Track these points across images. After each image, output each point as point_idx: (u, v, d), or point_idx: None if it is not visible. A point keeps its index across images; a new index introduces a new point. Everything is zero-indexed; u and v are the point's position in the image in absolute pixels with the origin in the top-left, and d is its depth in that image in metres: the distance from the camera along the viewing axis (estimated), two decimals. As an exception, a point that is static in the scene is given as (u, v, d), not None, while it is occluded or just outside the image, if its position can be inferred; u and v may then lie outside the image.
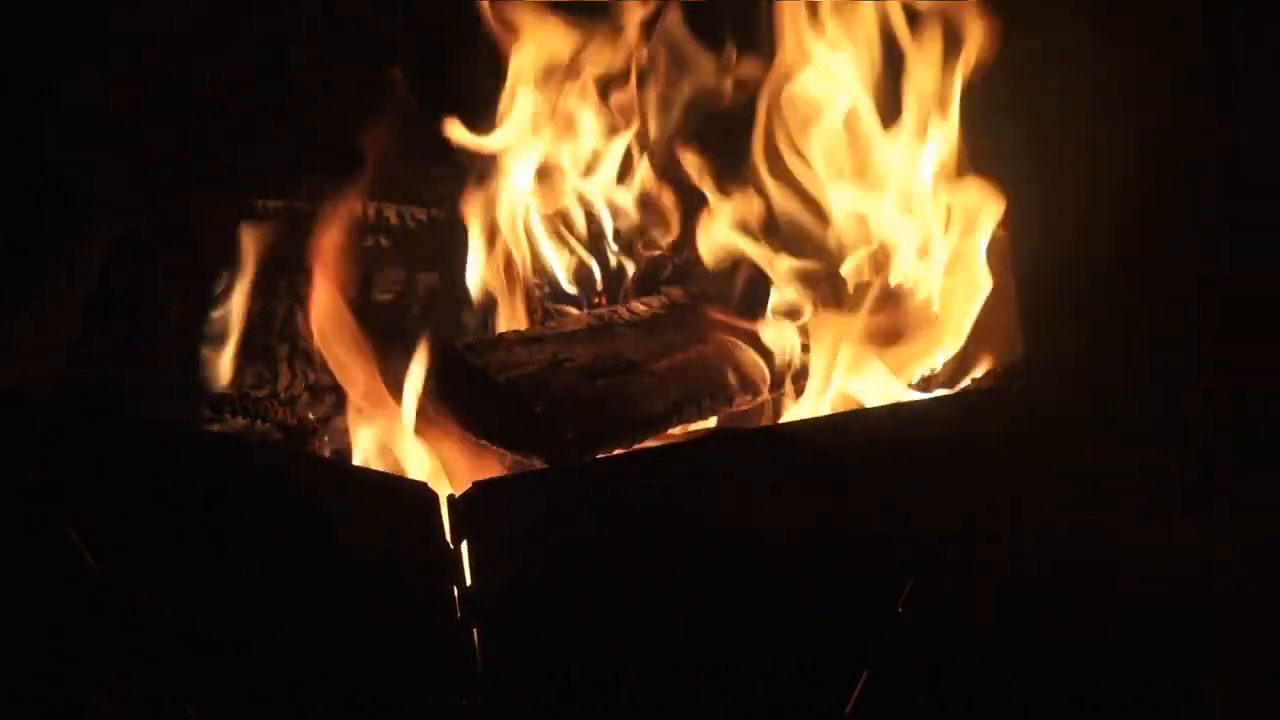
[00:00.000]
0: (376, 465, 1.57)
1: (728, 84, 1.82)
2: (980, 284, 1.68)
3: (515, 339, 1.63)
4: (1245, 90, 2.07)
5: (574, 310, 1.80)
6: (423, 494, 1.32)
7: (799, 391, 1.69)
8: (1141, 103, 1.99)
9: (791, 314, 1.71)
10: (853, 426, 1.51)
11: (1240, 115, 2.08)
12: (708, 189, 1.75)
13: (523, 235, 1.80)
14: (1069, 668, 1.83)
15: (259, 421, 1.71)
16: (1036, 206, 1.73)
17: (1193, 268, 2.12)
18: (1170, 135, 2.00)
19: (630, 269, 1.84)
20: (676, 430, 1.62)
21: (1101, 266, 2.00)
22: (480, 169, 1.83)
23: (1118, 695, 1.81)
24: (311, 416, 1.75)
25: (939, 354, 1.71)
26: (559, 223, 1.83)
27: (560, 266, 1.82)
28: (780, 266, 1.72)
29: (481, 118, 1.81)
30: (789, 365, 1.70)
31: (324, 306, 1.59)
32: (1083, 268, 1.92)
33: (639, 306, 1.73)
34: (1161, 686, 1.82)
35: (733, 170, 1.77)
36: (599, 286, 1.85)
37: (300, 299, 1.69)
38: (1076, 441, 1.98)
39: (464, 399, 1.59)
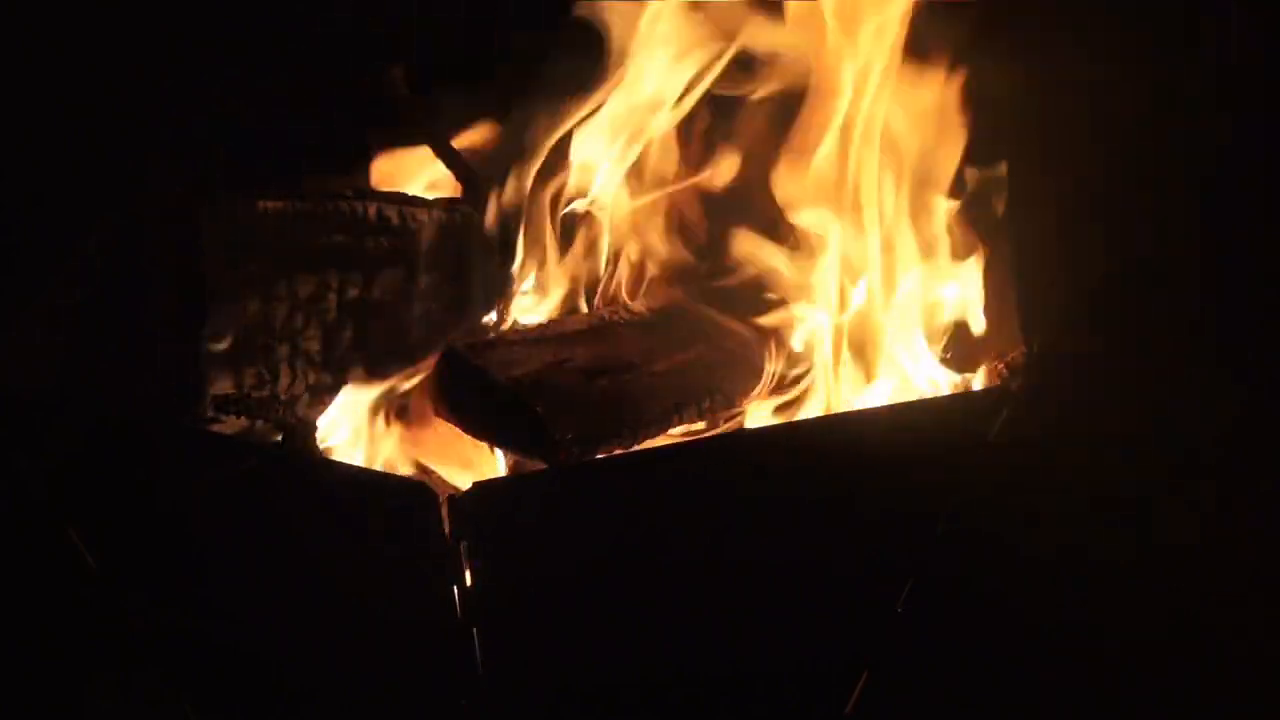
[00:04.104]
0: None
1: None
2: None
3: (516, 339, 1.63)
4: (1242, 92, 2.07)
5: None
6: (423, 494, 1.32)
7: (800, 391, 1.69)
8: (1140, 105, 1.99)
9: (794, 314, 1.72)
10: (853, 426, 1.51)
11: (1237, 117, 2.08)
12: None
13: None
14: (1069, 667, 1.83)
15: (259, 421, 1.71)
16: (1037, 207, 1.73)
17: (1193, 268, 2.12)
18: (1171, 136, 2.00)
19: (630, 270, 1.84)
20: (676, 430, 1.62)
21: (1101, 267, 2.00)
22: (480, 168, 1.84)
23: (1118, 694, 1.81)
24: (311, 417, 1.75)
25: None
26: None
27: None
28: (784, 268, 1.73)
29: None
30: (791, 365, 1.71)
31: None
32: (1083, 268, 1.92)
33: (638, 307, 1.73)
34: (1161, 684, 1.82)
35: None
36: (599, 287, 1.85)
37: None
38: (1076, 441, 1.98)
39: (464, 398, 1.59)
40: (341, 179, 1.85)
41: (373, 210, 1.81)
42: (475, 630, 1.39)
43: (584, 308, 1.80)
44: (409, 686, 1.49)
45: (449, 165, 1.88)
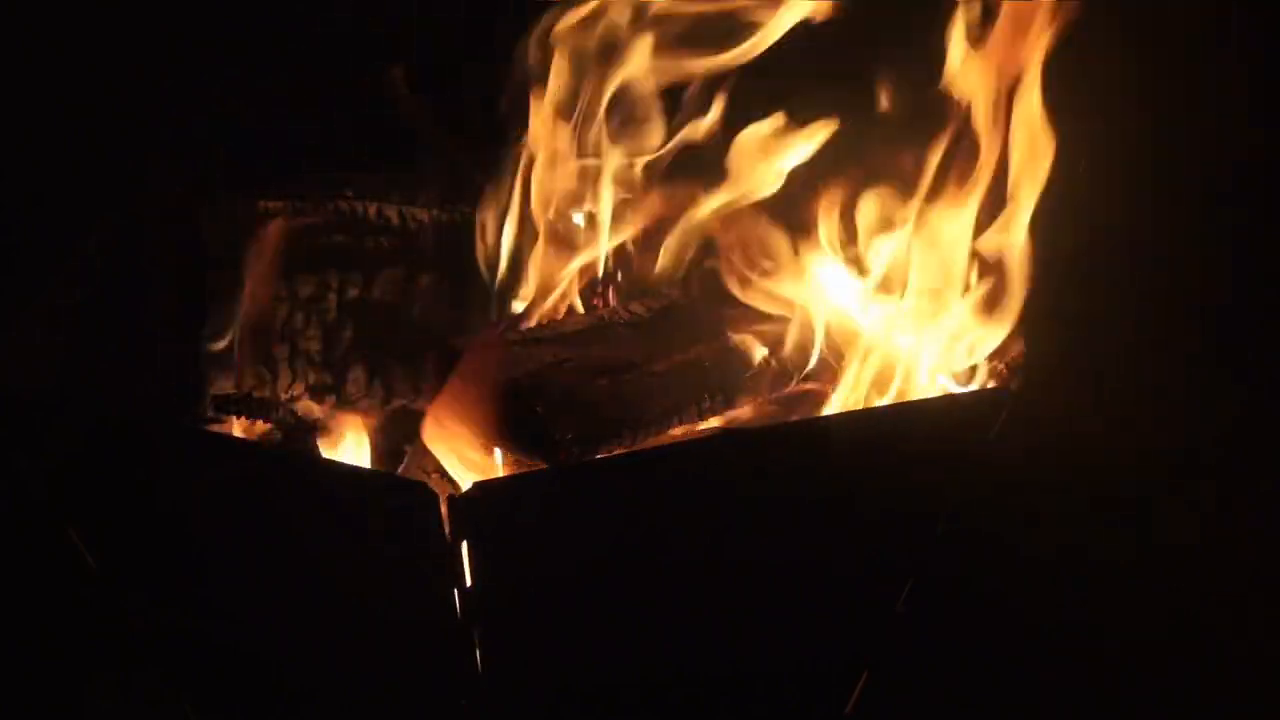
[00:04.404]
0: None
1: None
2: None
3: (515, 339, 1.63)
4: (1253, 97, 2.07)
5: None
6: (423, 494, 1.32)
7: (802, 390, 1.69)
8: (1145, 107, 1.99)
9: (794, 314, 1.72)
10: (853, 426, 1.51)
11: (1244, 120, 2.08)
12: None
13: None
14: (1069, 667, 1.83)
15: (259, 421, 1.71)
16: (1038, 207, 1.72)
17: (1196, 269, 2.12)
18: (1174, 138, 2.00)
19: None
20: (676, 430, 1.62)
21: (1103, 266, 2.00)
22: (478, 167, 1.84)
23: (1118, 694, 1.81)
24: (312, 417, 1.75)
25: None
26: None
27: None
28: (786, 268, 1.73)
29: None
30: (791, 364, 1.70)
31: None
32: (1084, 267, 1.92)
33: (638, 307, 1.73)
34: (1161, 684, 1.82)
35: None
36: (598, 288, 1.85)
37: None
38: (1076, 441, 1.98)
39: (464, 398, 1.59)
40: (341, 179, 1.85)
41: (373, 210, 1.82)
42: (475, 630, 1.39)
43: (583, 308, 1.80)
44: (409, 686, 1.49)
45: (448, 166, 1.88)
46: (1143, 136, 1.99)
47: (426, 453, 1.65)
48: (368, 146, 1.92)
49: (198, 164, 1.86)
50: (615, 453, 1.53)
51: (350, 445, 1.74)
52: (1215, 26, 2.02)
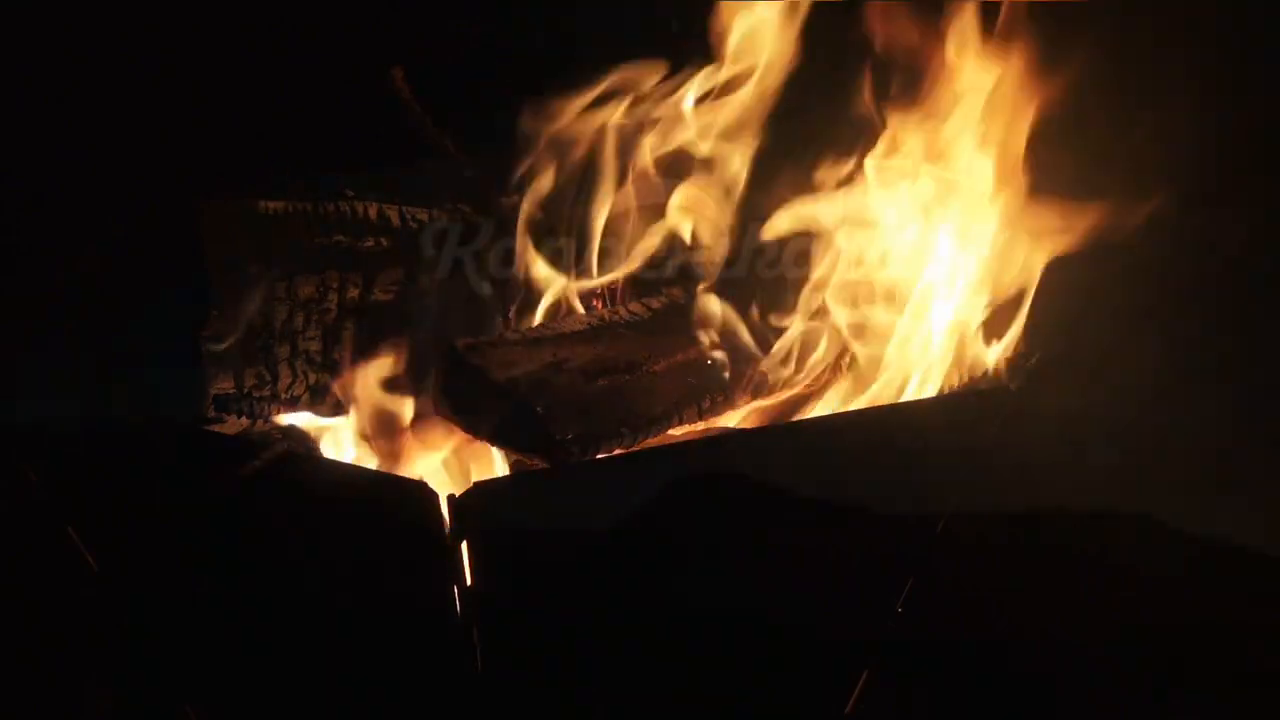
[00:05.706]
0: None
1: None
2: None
3: (516, 339, 1.63)
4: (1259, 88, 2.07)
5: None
6: (423, 494, 1.32)
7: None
8: (1144, 104, 1.99)
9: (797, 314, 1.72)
10: (853, 426, 1.51)
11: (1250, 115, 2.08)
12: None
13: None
14: (1069, 667, 1.83)
15: (259, 421, 1.71)
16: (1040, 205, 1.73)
17: (1194, 267, 2.12)
18: (1175, 136, 2.00)
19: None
20: (677, 430, 1.62)
21: (1104, 267, 2.00)
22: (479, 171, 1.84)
23: (1119, 694, 1.81)
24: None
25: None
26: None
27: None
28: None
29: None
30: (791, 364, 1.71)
31: None
32: (1085, 268, 1.92)
33: (638, 307, 1.73)
34: (1162, 685, 1.82)
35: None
36: (599, 289, 1.85)
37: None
38: (1076, 441, 1.98)
39: (464, 398, 1.59)
40: (341, 179, 1.85)
41: (373, 210, 1.82)
42: (475, 630, 1.39)
43: (583, 308, 1.81)
44: (409, 686, 1.49)
45: (449, 166, 1.88)
46: (1143, 135, 1.99)
47: (426, 452, 1.65)
48: (368, 146, 1.92)
49: (198, 164, 1.86)
50: (615, 453, 1.53)
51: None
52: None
